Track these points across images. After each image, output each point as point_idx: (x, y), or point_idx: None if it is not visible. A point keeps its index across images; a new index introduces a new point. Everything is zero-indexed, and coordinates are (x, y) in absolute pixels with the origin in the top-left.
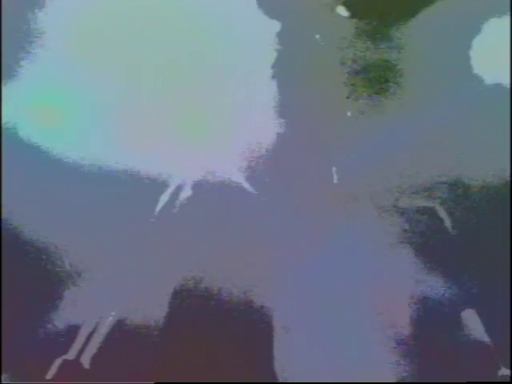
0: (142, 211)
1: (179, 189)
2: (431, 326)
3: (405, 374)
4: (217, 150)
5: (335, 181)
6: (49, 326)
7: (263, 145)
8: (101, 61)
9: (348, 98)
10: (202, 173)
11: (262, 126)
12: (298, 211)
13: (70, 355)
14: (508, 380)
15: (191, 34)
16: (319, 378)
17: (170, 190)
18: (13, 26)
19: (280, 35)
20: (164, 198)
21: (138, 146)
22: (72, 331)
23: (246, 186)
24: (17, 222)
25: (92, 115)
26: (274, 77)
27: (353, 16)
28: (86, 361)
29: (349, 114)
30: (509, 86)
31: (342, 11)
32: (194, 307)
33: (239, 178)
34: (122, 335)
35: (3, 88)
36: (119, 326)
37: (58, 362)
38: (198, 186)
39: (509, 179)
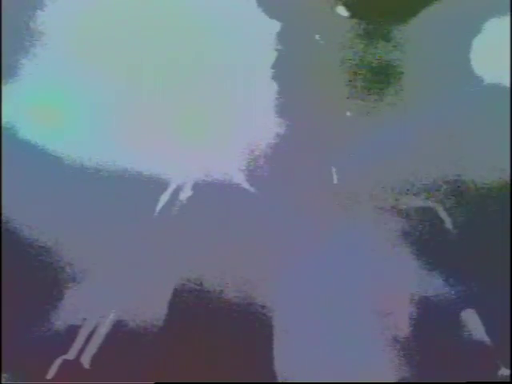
0: (142, 211)
1: (179, 189)
2: (431, 325)
3: (405, 374)
4: (217, 150)
5: (335, 181)
6: (49, 326)
7: (263, 145)
8: (101, 61)
9: (348, 98)
10: (202, 173)
11: (261, 125)
12: (298, 211)
13: (70, 355)
14: (508, 380)
15: (191, 34)
16: (319, 378)
17: (170, 190)
18: (13, 26)
19: (280, 35)
20: (164, 197)
21: (138, 146)
22: (72, 331)
23: (246, 186)
24: (17, 221)
25: (92, 115)
26: (274, 77)
27: (353, 16)
28: (85, 361)
29: (349, 113)
30: (509, 86)
31: (342, 11)
32: (194, 307)
33: (239, 177)
34: (122, 335)
35: (3, 88)
36: (119, 326)
37: (58, 361)
38: (197, 186)
39: (509, 179)
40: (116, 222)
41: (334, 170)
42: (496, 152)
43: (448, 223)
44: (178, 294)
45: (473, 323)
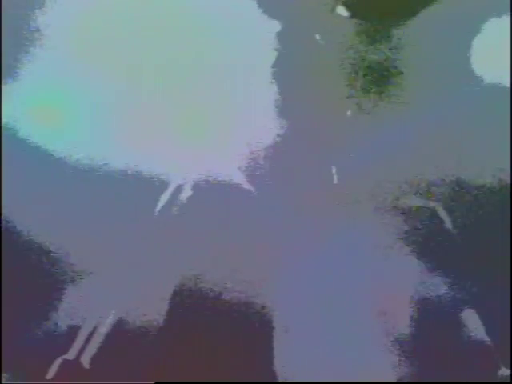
0: (142, 211)
1: (179, 189)
2: (431, 325)
3: (405, 374)
4: (217, 150)
5: (335, 181)
6: (49, 326)
7: (263, 145)
8: (101, 61)
9: (348, 98)
10: (202, 173)
11: (261, 126)
12: (298, 211)
13: (70, 355)
14: (508, 380)
15: (191, 34)
16: (319, 378)
17: (170, 190)
18: (13, 25)
19: (280, 35)
20: (164, 197)
21: (138, 146)
22: (72, 331)
23: (246, 186)
24: (17, 221)
25: (92, 115)
26: (274, 77)
27: (353, 16)
28: (85, 361)
29: (349, 113)
30: (509, 86)
31: (342, 11)
32: (194, 307)
33: (239, 178)
34: (122, 335)
35: (3, 88)
36: (119, 326)
37: (58, 361)
38: (198, 186)
39: (509, 179)
40: (116, 222)
41: (334, 169)
42: (496, 152)
43: (448, 223)
44: (177, 293)
45: (473, 323)
